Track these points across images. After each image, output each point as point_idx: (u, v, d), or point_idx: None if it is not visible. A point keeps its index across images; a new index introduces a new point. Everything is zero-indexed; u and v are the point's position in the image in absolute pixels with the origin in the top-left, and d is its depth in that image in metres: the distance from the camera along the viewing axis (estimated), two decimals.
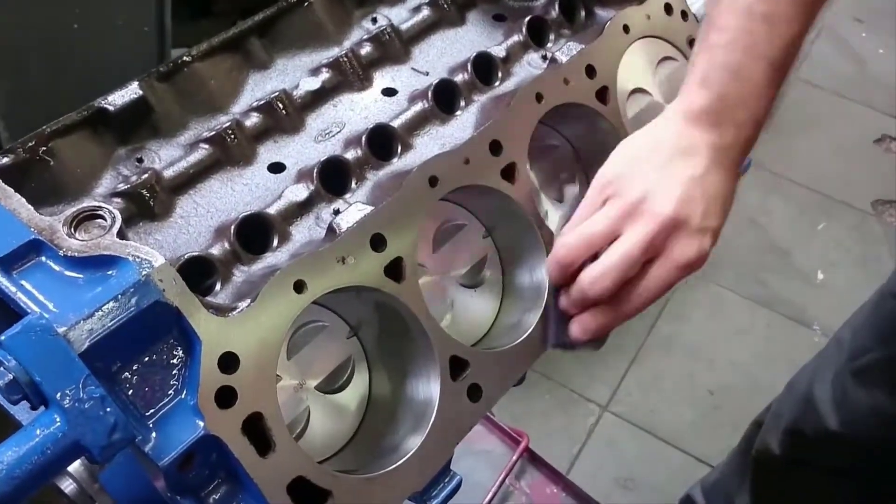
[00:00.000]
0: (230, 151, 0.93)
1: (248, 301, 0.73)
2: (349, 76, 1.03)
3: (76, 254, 0.69)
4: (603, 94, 1.04)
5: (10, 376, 0.60)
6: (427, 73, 1.07)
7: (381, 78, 1.06)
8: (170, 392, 0.70)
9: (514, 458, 1.93)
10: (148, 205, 0.86)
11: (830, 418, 1.54)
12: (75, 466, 0.77)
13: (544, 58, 1.10)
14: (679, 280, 0.88)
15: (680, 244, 0.86)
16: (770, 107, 0.92)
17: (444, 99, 1.01)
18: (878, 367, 1.46)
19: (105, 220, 0.72)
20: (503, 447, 1.95)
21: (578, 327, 0.90)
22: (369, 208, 0.82)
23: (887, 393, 1.45)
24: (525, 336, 0.92)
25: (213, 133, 0.92)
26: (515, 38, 1.11)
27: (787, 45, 0.90)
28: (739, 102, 0.90)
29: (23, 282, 0.68)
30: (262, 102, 0.97)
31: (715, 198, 0.89)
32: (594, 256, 0.88)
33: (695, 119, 0.90)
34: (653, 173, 0.88)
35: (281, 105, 0.97)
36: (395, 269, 0.82)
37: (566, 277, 0.90)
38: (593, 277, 0.86)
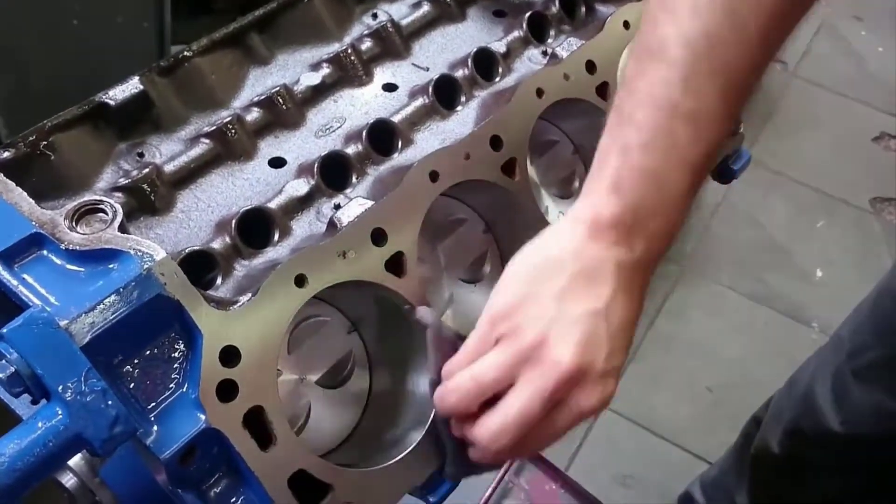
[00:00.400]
0: (231, 146, 0.93)
1: (250, 295, 0.74)
2: (350, 71, 1.03)
3: (78, 247, 0.69)
4: (603, 90, 1.04)
5: (12, 369, 0.61)
6: (427, 69, 1.07)
7: (382, 73, 1.06)
8: (171, 385, 0.70)
9: None
10: (149, 199, 0.86)
11: (831, 417, 1.54)
12: (76, 460, 0.77)
13: (545, 53, 1.11)
14: (580, 423, 0.78)
15: (584, 394, 0.75)
16: (685, 219, 0.79)
17: (445, 94, 1.01)
18: (878, 365, 1.46)
19: (106, 213, 0.72)
20: None
21: (478, 452, 0.80)
22: (370, 203, 0.82)
23: (888, 391, 1.45)
24: None
25: (214, 128, 0.92)
26: (516, 33, 1.11)
27: (710, 149, 0.78)
28: (655, 212, 0.77)
29: (24, 275, 0.68)
30: (262, 97, 0.97)
31: (621, 330, 0.77)
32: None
33: (602, 232, 0.76)
34: (551, 307, 0.75)
35: (281, 100, 0.97)
36: (395, 264, 0.83)
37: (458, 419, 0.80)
38: (492, 435, 0.76)
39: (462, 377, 0.77)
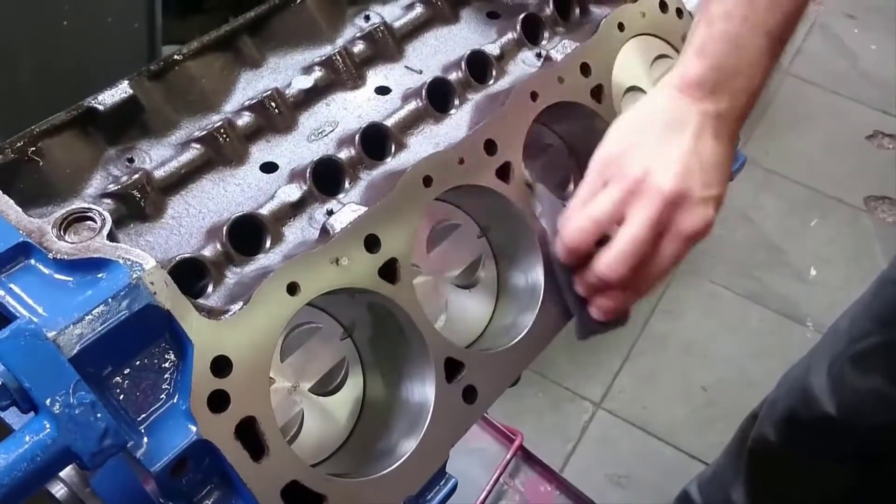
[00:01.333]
0: (222, 151, 0.92)
1: (241, 303, 0.73)
2: (342, 74, 1.02)
3: (66, 256, 0.68)
4: (598, 93, 1.03)
5: None
6: (420, 72, 1.06)
7: (375, 76, 1.05)
8: (161, 396, 0.69)
9: (508, 456, 1.93)
10: (139, 205, 0.85)
11: (827, 404, 1.55)
12: (66, 471, 0.76)
13: (539, 56, 1.09)
14: (688, 250, 0.90)
15: (686, 217, 0.88)
16: (766, 78, 0.92)
17: (438, 97, 1.00)
18: (877, 351, 1.47)
19: (95, 221, 0.71)
20: (497, 445, 1.95)
21: (598, 311, 0.93)
22: (363, 209, 0.81)
23: (886, 377, 1.45)
24: (520, 337, 0.91)
25: (205, 132, 0.91)
26: (510, 35, 1.10)
27: (787, 17, 0.90)
28: (736, 72, 0.90)
29: (11, 285, 0.67)
30: (254, 101, 0.96)
31: (713, 166, 0.90)
32: (600, 240, 0.90)
33: (689, 89, 0.90)
34: (649, 149, 0.89)
35: (273, 104, 0.96)
36: (389, 271, 0.82)
37: (576, 259, 0.91)
38: (610, 264, 0.88)
39: (578, 217, 0.89)
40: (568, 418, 2.48)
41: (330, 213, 0.87)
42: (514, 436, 1.95)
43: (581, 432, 2.46)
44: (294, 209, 0.88)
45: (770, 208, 3.11)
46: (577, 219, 0.90)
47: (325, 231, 0.80)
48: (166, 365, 0.69)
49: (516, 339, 0.91)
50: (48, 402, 0.60)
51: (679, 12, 1.15)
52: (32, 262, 0.69)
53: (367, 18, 1.09)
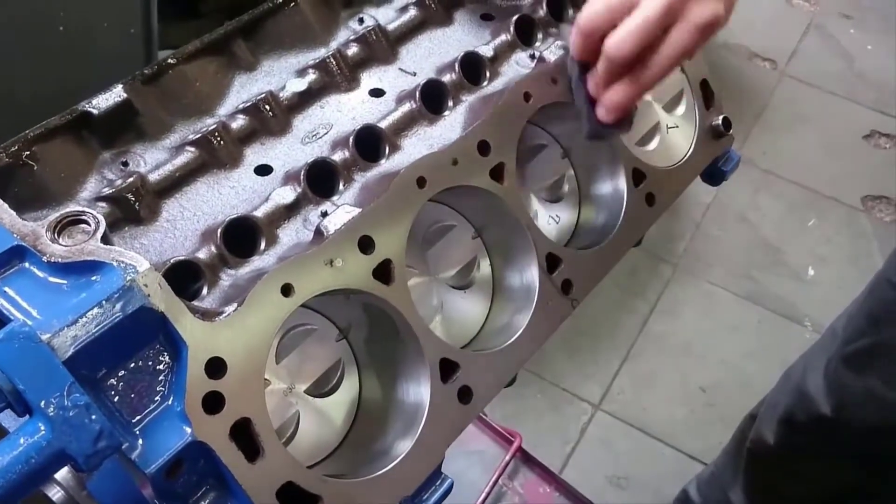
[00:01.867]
0: (216, 154, 0.92)
1: (235, 305, 0.73)
2: (336, 77, 1.03)
3: (60, 259, 0.68)
4: None
5: None
6: (414, 74, 1.07)
7: (369, 78, 1.06)
8: (156, 398, 0.69)
9: (507, 457, 1.93)
10: (133, 209, 0.85)
11: (823, 405, 1.55)
12: (63, 473, 0.76)
13: (532, 57, 1.10)
14: (696, 44, 0.92)
15: (697, 7, 0.90)
16: None
17: (432, 99, 1.01)
18: (870, 351, 1.47)
19: (89, 224, 0.71)
20: (496, 447, 1.95)
21: (604, 108, 0.96)
22: (357, 210, 0.81)
23: (879, 377, 1.45)
24: (516, 337, 0.91)
25: (199, 136, 0.92)
26: (503, 37, 1.11)
27: None
28: None
29: (6, 288, 0.67)
30: (248, 104, 0.96)
31: None
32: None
33: None
34: None
35: (267, 107, 0.96)
36: (383, 272, 0.82)
37: (587, 50, 0.95)
38: (616, 41, 0.90)
39: (593, 3, 0.93)
40: (567, 419, 2.48)
41: (324, 214, 0.88)
42: (513, 437, 1.95)
43: (580, 433, 2.46)
44: (288, 211, 0.89)
45: (767, 209, 3.12)
46: (590, 5, 0.93)
47: (319, 233, 0.80)
48: (161, 367, 0.70)
49: (511, 340, 0.91)
50: (42, 404, 0.60)
51: None
52: (27, 265, 0.69)
53: (361, 21, 1.10)
